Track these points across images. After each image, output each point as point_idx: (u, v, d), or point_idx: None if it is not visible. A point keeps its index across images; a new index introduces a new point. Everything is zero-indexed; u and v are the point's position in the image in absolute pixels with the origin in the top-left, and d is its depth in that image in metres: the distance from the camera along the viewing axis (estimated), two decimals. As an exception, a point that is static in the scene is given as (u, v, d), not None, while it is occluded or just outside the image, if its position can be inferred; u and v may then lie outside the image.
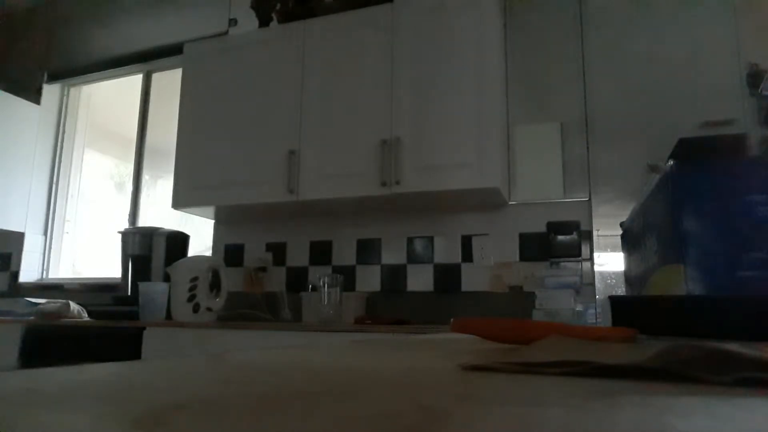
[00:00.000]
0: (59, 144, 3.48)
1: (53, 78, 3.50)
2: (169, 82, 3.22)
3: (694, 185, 0.55)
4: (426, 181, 2.15)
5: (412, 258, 2.48)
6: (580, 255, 2.20)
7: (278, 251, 2.72)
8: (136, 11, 3.36)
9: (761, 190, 0.52)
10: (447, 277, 2.40)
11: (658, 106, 2.20)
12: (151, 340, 2.10)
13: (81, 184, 3.52)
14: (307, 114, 2.39)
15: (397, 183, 2.18)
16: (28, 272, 3.30)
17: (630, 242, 0.82)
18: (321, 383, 0.23)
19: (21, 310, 2.57)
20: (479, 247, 2.36)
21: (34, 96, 3.44)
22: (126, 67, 3.34)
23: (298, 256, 2.68)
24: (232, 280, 2.65)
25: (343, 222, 2.62)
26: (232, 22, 3.01)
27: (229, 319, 2.41)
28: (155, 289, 2.33)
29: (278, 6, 2.65)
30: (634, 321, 0.51)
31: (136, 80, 3.36)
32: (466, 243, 2.39)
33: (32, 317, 2.40)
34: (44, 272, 3.36)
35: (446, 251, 2.42)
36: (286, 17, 2.61)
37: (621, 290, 2.09)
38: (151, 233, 2.59)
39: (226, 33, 2.98)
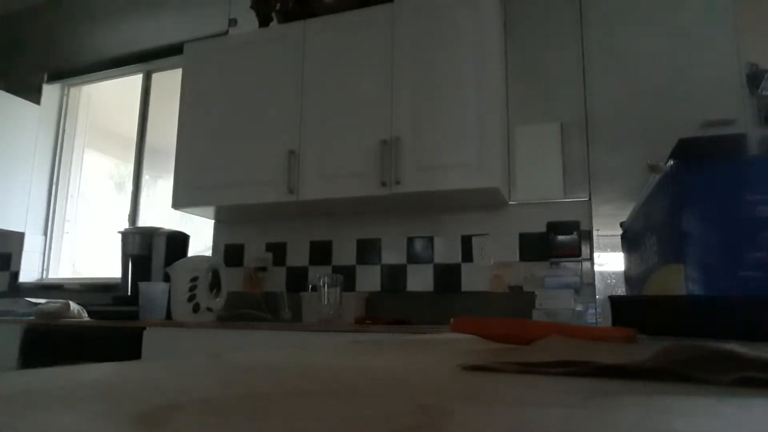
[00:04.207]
0: (59, 144, 3.48)
1: (53, 78, 3.50)
2: (169, 82, 3.22)
3: (694, 185, 0.55)
4: (426, 181, 2.15)
5: (412, 258, 2.47)
6: (580, 255, 2.20)
7: (278, 251, 2.72)
8: (136, 11, 3.36)
9: (761, 190, 0.52)
10: (447, 277, 2.40)
11: (658, 106, 2.20)
12: (151, 340, 2.10)
13: (81, 184, 3.52)
14: (307, 114, 2.39)
15: (397, 183, 2.18)
16: (28, 272, 3.30)
17: (630, 242, 0.82)
18: (321, 383, 0.23)
19: (21, 310, 2.57)
20: (479, 247, 2.36)
21: (34, 96, 3.44)
22: (126, 67, 3.34)
23: (298, 256, 2.68)
24: (232, 280, 2.65)
25: (343, 222, 2.62)
26: (232, 22, 3.01)
27: (229, 319, 2.41)
28: (155, 289, 2.33)
29: (278, 6, 2.65)
30: (634, 321, 0.51)
31: (136, 80, 3.36)
32: (466, 243, 2.39)
33: (32, 317, 2.40)
34: (44, 272, 3.36)
35: (446, 251, 2.42)
36: (286, 17, 2.61)
37: (621, 290, 2.09)
38: (151, 233, 2.59)
39: (226, 33, 2.98)
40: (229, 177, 2.48)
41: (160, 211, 3.14)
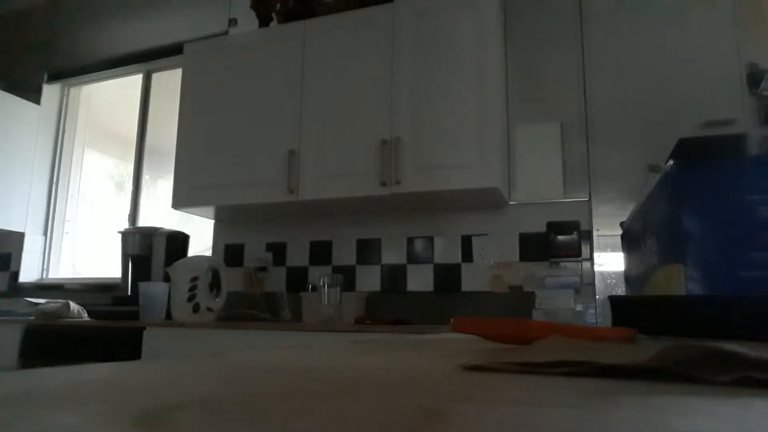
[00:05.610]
0: (59, 144, 3.48)
1: (53, 78, 3.50)
2: (169, 82, 3.22)
3: (694, 185, 0.55)
4: (426, 181, 2.15)
5: (412, 258, 2.47)
6: (580, 255, 2.20)
7: (278, 251, 2.72)
8: (136, 11, 3.36)
9: (761, 190, 0.52)
10: (447, 277, 2.40)
11: (658, 106, 2.20)
12: (151, 340, 2.10)
13: (81, 184, 3.52)
14: (307, 114, 2.39)
15: (397, 183, 2.18)
16: (28, 272, 3.30)
17: (630, 242, 0.82)
18: (321, 383, 0.23)
19: (21, 310, 2.57)
20: (479, 247, 2.36)
21: (34, 96, 3.44)
22: (126, 67, 3.34)
23: (298, 256, 2.68)
24: (232, 280, 2.65)
25: (343, 222, 2.62)
26: (232, 22, 3.01)
27: (229, 319, 2.41)
28: (155, 289, 2.33)
29: (278, 6, 2.65)
30: (634, 321, 0.51)
31: (136, 80, 3.36)
32: (466, 243, 2.39)
33: (32, 317, 2.40)
34: (44, 272, 3.36)
35: (446, 251, 2.42)
36: (286, 17, 2.61)
37: (621, 290, 2.09)
38: (151, 233, 2.59)
39: (226, 33, 2.98)
40: (229, 177, 2.48)
41: (160, 211, 3.14)
